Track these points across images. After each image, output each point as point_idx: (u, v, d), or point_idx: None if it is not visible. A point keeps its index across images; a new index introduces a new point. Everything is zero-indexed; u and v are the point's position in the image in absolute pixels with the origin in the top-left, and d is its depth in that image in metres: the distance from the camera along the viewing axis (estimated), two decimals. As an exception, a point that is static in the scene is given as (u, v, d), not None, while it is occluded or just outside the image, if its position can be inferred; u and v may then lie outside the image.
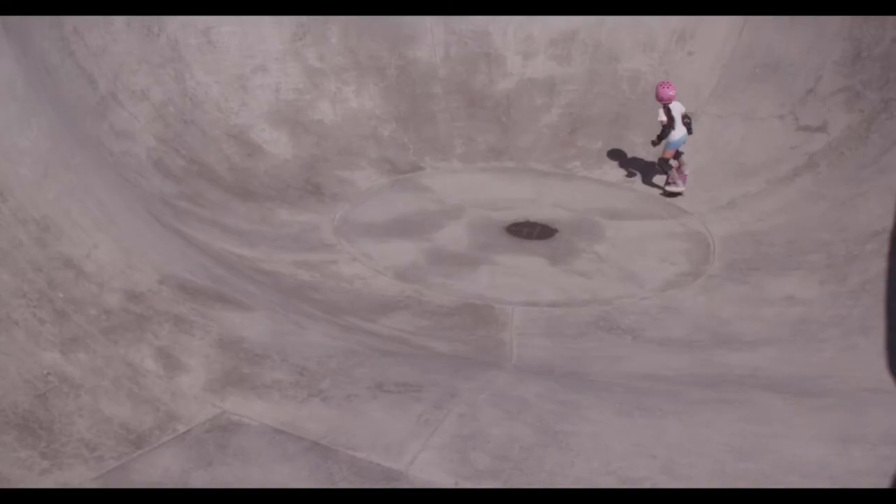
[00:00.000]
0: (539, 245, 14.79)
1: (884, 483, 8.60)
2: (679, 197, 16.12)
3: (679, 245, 14.89)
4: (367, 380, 9.88)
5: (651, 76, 17.61)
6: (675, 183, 16.31)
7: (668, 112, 16.13)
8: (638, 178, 16.77)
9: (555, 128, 17.45)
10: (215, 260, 12.40)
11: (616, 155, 17.08)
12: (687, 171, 16.29)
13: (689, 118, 16.28)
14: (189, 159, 15.56)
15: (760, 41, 17.25)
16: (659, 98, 16.19)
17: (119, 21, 16.07)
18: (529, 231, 15.12)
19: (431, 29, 18.04)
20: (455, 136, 17.32)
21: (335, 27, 17.78)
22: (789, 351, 11.99)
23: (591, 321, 12.95)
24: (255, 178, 15.85)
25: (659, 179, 16.59)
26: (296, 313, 11.47)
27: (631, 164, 17.14)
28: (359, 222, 15.19)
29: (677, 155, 16.28)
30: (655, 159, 16.60)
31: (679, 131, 16.12)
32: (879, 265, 13.31)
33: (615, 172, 16.78)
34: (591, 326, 12.83)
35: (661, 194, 16.42)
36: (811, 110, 16.43)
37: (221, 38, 17.05)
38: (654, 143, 16.39)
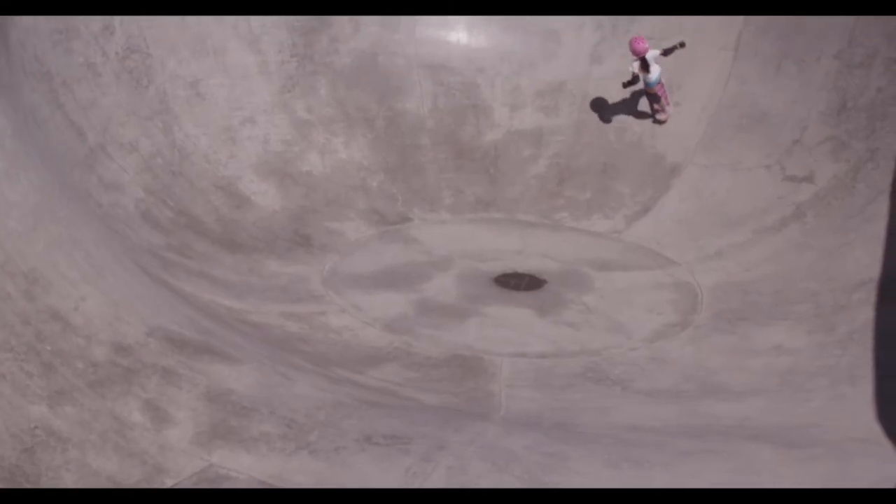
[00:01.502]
0: (527, 296, 14.79)
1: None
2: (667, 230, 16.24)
3: (667, 295, 14.89)
4: (355, 432, 9.88)
5: (638, 127, 17.68)
6: (662, 111, 17.57)
7: (643, 63, 17.11)
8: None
9: (542, 179, 17.49)
10: (203, 312, 12.40)
11: (604, 205, 17.11)
12: (670, 100, 17.59)
13: (666, 50, 17.22)
14: (177, 211, 15.57)
15: (746, 92, 17.33)
16: (634, 52, 17.06)
17: (108, 74, 16.11)
18: (518, 282, 15.13)
19: (419, 80, 18.11)
20: (443, 188, 17.35)
21: (324, 79, 17.84)
22: (777, 401, 11.99)
23: (579, 372, 12.94)
24: (243, 229, 15.86)
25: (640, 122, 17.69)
26: (284, 365, 11.47)
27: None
28: (347, 273, 15.19)
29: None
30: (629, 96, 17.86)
31: (655, 70, 17.17)
32: (867, 314, 13.33)
33: (603, 223, 16.80)
34: (580, 377, 12.82)
35: (653, 122, 17.62)
36: (797, 160, 16.49)
37: (210, 90, 17.10)
38: (624, 86, 17.53)
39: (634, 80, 17.32)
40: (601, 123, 17.89)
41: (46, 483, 8.69)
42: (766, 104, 17.12)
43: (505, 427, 10.83)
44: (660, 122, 17.64)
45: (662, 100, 17.51)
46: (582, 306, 14.57)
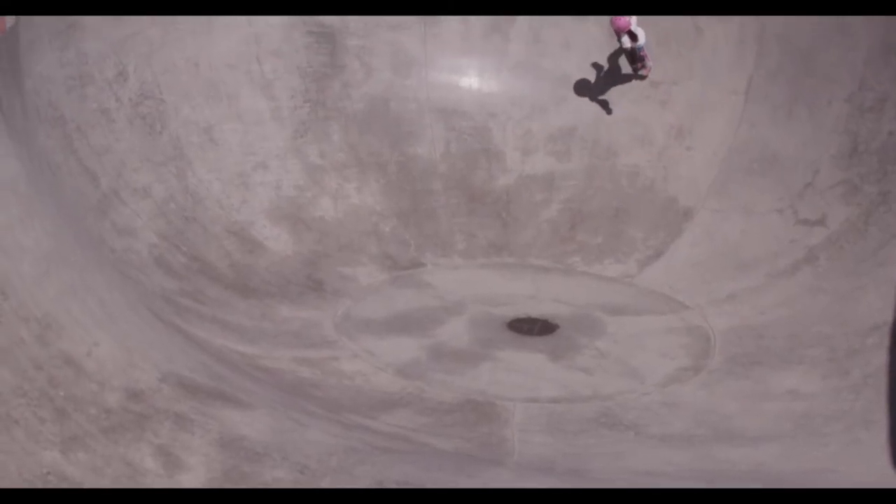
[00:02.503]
0: (540, 341, 14.77)
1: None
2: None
3: (679, 340, 14.86)
4: (367, 478, 9.86)
5: (650, 171, 17.70)
6: (644, 67, 17.87)
7: (631, 35, 17.24)
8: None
9: (555, 223, 17.50)
10: (216, 357, 12.40)
11: (616, 250, 17.10)
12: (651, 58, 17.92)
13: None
14: (190, 256, 15.60)
15: (757, 136, 17.34)
16: (619, 29, 17.22)
17: (122, 120, 16.20)
18: (530, 327, 15.11)
19: (431, 125, 18.17)
20: (455, 232, 17.37)
21: (336, 124, 17.90)
22: (792, 446, 11.94)
23: (592, 417, 12.91)
24: (255, 274, 15.87)
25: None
26: (296, 411, 11.46)
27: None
28: (360, 318, 15.18)
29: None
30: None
31: (642, 35, 17.28)
32: (880, 358, 13.28)
33: (615, 268, 16.79)
34: (593, 422, 12.79)
35: (636, 79, 18.00)
36: (810, 204, 16.48)
37: (223, 136, 17.16)
38: (643, 77, 18.13)
39: (636, 54, 17.67)
40: (612, 168, 17.90)
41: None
42: (778, 148, 17.12)
43: (518, 472, 10.80)
44: (643, 78, 17.96)
45: (646, 59, 17.78)
46: (595, 351, 14.54)
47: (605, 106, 18.17)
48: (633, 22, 17.12)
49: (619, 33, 17.23)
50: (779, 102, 17.33)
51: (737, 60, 17.78)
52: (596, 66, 18.13)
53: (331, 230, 17.00)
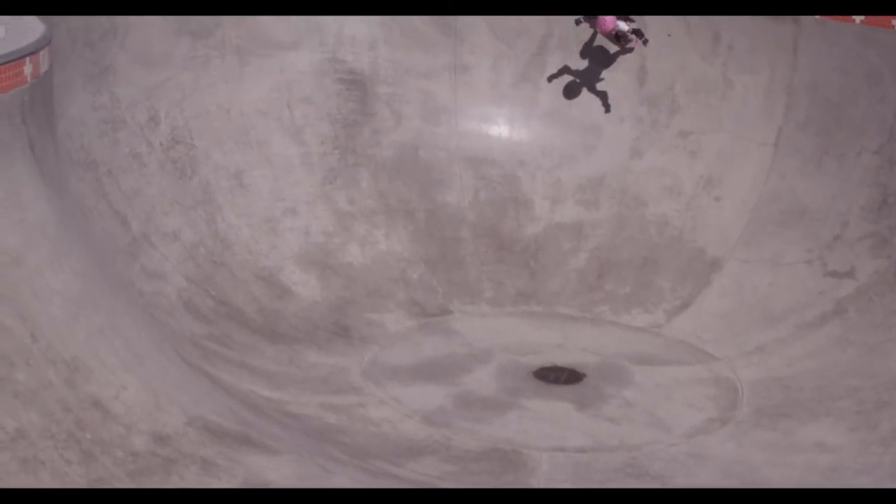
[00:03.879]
0: (567, 390, 14.74)
1: None
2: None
3: (707, 391, 14.81)
4: (393, 525, 9.84)
5: (679, 221, 17.69)
6: (630, 40, 17.48)
7: (622, 34, 17.41)
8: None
9: (583, 272, 17.50)
10: (242, 402, 12.41)
11: (644, 300, 17.07)
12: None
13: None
14: (219, 300, 15.63)
15: (786, 187, 17.34)
16: (606, 33, 17.44)
17: (153, 164, 16.28)
18: (557, 376, 15.08)
19: (460, 173, 18.21)
20: (483, 280, 17.38)
21: (365, 171, 17.96)
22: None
23: (618, 467, 12.86)
24: (283, 319, 15.89)
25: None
26: (322, 457, 11.45)
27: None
28: (387, 365, 15.18)
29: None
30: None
31: (624, 26, 17.34)
32: (909, 412, 13.25)
33: (643, 317, 16.75)
34: (619, 472, 12.74)
35: (622, 53, 17.96)
36: (839, 256, 16.45)
37: (253, 181, 17.24)
38: (631, 50, 17.77)
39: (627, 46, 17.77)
40: (641, 217, 17.90)
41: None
42: (807, 199, 17.11)
43: (544, 522, 10.74)
44: (630, 51, 17.76)
45: (628, 35, 17.70)
46: (621, 401, 14.49)
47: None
48: (616, 22, 17.36)
49: (608, 33, 17.48)
50: (808, 154, 17.34)
51: (766, 111, 17.81)
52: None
53: (359, 276, 17.02)
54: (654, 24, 18.15)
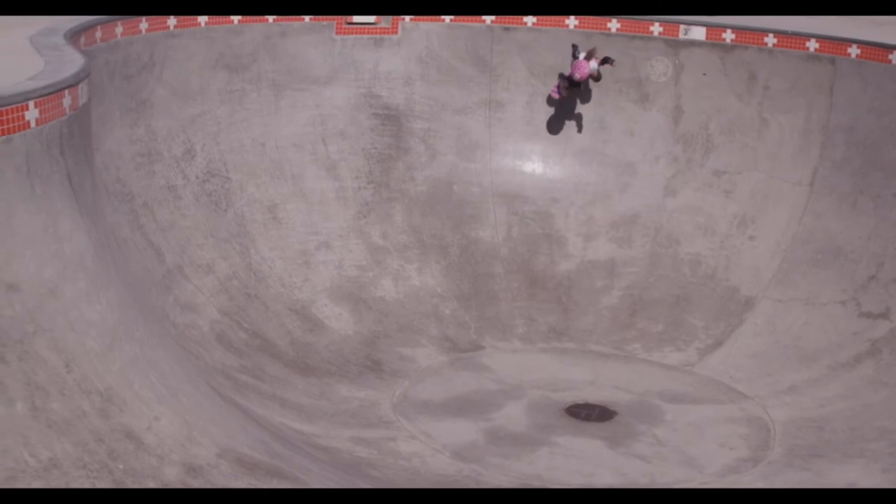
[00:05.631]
0: (598, 427, 14.71)
1: None
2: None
3: (739, 430, 14.75)
4: (422, 560, 9.82)
5: (712, 260, 17.68)
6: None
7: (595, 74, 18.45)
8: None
9: (615, 310, 17.50)
10: (274, 435, 12.43)
11: (676, 338, 17.04)
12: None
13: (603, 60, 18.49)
14: (251, 333, 15.69)
15: (821, 227, 17.32)
16: (583, 78, 18.18)
17: (188, 196, 16.40)
18: (588, 413, 15.06)
19: (494, 209, 18.27)
20: (516, 316, 17.40)
21: (399, 206, 18.04)
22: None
23: (649, 506, 12.81)
24: (315, 353, 15.94)
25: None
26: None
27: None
28: (418, 400, 15.19)
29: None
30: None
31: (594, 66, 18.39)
32: (943, 455, 13.17)
33: (675, 356, 16.72)
34: (650, 511, 12.69)
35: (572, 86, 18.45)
36: (873, 297, 16.40)
37: (287, 215, 17.34)
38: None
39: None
40: (675, 256, 17.90)
41: None
42: (842, 239, 17.08)
43: (574, 559, 10.71)
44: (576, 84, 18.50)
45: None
46: (653, 439, 14.46)
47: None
48: (589, 65, 18.14)
49: (583, 77, 18.23)
50: (844, 194, 17.34)
51: (801, 151, 17.84)
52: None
53: (391, 311, 17.07)
54: (690, 65, 18.24)
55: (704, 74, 18.33)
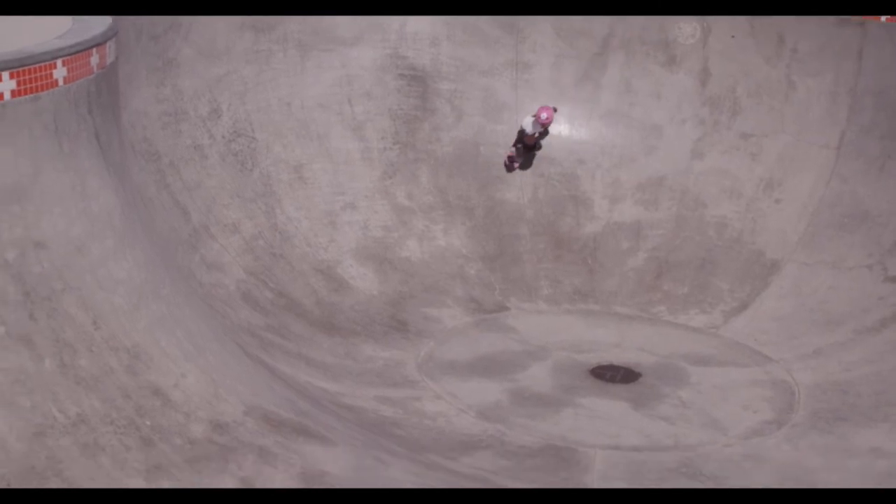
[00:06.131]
0: (622, 389, 14.73)
1: None
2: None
3: (763, 393, 14.75)
4: (447, 518, 9.86)
5: (738, 223, 17.62)
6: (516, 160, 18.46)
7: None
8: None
9: (640, 272, 17.48)
10: (300, 393, 12.48)
11: (702, 301, 17.02)
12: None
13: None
14: (277, 292, 15.74)
15: (848, 191, 17.24)
16: (546, 123, 18.01)
17: (214, 156, 16.42)
18: (613, 374, 15.07)
19: (520, 171, 18.24)
20: (541, 278, 17.39)
21: (425, 167, 18.03)
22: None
23: (673, 467, 12.82)
24: (340, 312, 15.98)
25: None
26: (377, 449, 11.50)
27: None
28: (443, 360, 15.22)
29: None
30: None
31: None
32: (968, 419, 13.14)
33: (700, 318, 16.71)
34: (673, 472, 12.70)
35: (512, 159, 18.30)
36: (900, 261, 16.38)
37: (313, 175, 17.34)
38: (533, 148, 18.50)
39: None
40: (701, 218, 17.85)
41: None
42: (869, 203, 17.01)
43: (597, 519, 10.74)
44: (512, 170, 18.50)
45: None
46: (677, 401, 14.47)
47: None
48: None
49: (545, 125, 18.02)
50: (871, 157, 17.24)
51: (829, 115, 17.73)
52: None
53: (416, 271, 17.09)
54: (717, 27, 18.13)
55: (732, 37, 18.22)
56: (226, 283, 15.35)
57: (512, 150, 18.36)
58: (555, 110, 18.01)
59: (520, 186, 18.17)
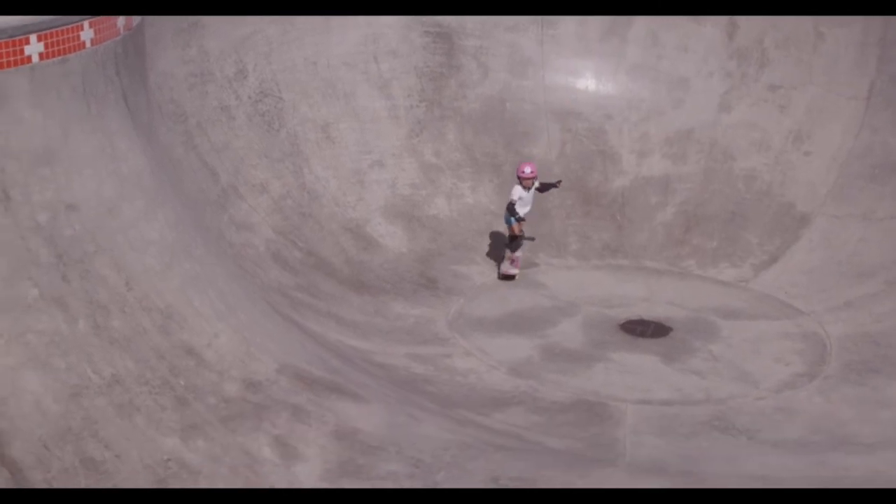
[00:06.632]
0: (653, 343, 14.72)
1: None
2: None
3: (794, 345, 14.72)
4: (481, 473, 9.90)
5: (767, 175, 17.55)
6: (513, 262, 16.46)
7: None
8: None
9: (669, 226, 17.44)
10: (331, 351, 12.52)
11: (731, 254, 16.97)
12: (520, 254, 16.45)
13: (544, 185, 16.41)
14: (306, 251, 15.78)
15: (878, 141, 17.14)
16: (525, 177, 16.11)
17: (241, 117, 16.44)
18: (643, 329, 15.07)
19: (547, 126, 18.19)
20: (570, 233, 17.38)
21: (452, 124, 18.01)
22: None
23: (705, 420, 12.82)
24: (370, 270, 16.01)
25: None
26: (410, 406, 11.54)
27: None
28: (473, 317, 15.24)
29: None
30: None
31: (522, 210, 16.20)
32: None
33: (730, 272, 16.67)
34: (705, 426, 12.71)
35: (499, 278, 16.53)
36: (931, 211, 16.32)
37: (340, 134, 17.34)
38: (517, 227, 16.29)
39: (512, 209, 16.22)
40: (729, 171, 17.79)
41: (178, 515, 8.84)
42: (899, 154, 16.95)
43: (630, 473, 10.78)
44: (507, 278, 16.60)
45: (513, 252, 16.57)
46: (708, 354, 14.46)
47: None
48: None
49: (526, 178, 16.22)
50: (901, 108, 17.16)
51: (858, 65, 17.61)
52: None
53: (445, 229, 17.10)
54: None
55: None
56: (255, 243, 15.40)
57: (513, 256, 16.58)
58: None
59: (547, 142, 18.13)
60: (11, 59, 9.69)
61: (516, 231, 16.26)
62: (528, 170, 16.10)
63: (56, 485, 8.75)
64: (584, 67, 18.42)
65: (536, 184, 16.25)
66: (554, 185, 16.49)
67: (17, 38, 9.78)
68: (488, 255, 16.84)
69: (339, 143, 17.32)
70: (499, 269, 16.58)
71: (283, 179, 16.52)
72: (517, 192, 16.13)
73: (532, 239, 16.71)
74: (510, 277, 16.43)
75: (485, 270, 16.53)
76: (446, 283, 16.16)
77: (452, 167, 17.78)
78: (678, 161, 18.03)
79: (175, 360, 9.94)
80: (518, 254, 16.36)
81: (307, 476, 9.52)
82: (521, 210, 16.16)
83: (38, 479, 8.75)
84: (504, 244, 16.66)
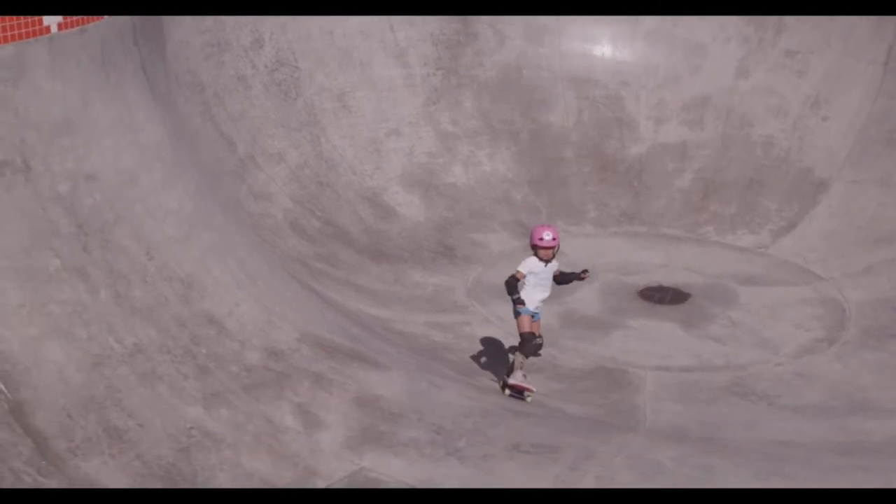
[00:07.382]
0: (672, 310, 14.73)
1: None
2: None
3: (813, 311, 14.72)
4: (503, 440, 9.93)
5: (785, 141, 17.49)
6: (522, 372, 11.86)
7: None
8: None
9: (687, 193, 17.41)
10: (351, 319, 12.56)
11: (749, 220, 16.94)
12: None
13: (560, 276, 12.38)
14: (324, 221, 15.80)
15: (896, 107, 17.11)
16: (544, 245, 12.06)
17: (258, 86, 16.45)
18: (662, 296, 15.07)
19: (564, 94, 18.15)
20: (587, 201, 17.36)
21: (468, 92, 17.97)
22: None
23: (724, 387, 12.85)
24: (388, 239, 16.03)
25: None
26: (430, 373, 11.57)
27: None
28: (491, 285, 15.23)
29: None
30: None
31: (538, 295, 12.11)
32: None
33: (748, 238, 16.64)
34: (725, 392, 12.74)
35: (501, 387, 12.05)
36: (949, 176, 16.26)
37: (356, 103, 17.33)
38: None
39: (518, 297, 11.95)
40: (747, 138, 17.73)
41: (202, 483, 8.87)
42: (918, 119, 16.89)
43: (650, 439, 10.80)
44: (518, 391, 11.79)
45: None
46: (727, 321, 14.46)
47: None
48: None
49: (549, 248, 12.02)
50: (920, 73, 17.09)
51: (876, 30, 17.54)
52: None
53: (462, 197, 17.09)
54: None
55: None
56: (273, 212, 15.43)
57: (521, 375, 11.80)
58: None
59: (564, 110, 18.09)
60: (30, 29, 9.68)
61: (526, 328, 11.92)
62: (548, 235, 11.98)
63: (80, 454, 8.79)
64: (600, 34, 18.35)
65: (556, 267, 12.16)
66: (579, 277, 12.45)
67: (36, 9, 9.78)
68: (504, 223, 16.84)
69: (355, 112, 17.31)
70: (505, 377, 11.98)
71: (300, 149, 16.53)
72: (530, 264, 12.00)
73: (541, 347, 12.39)
74: (522, 393, 11.75)
75: (503, 238, 16.53)
76: (464, 252, 16.17)
77: (469, 135, 17.76)
78: (695, 127, 17.99)
79: (196, 328, 9.97)
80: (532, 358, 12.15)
81: (329, 443, 9.55)
82: (536, 296, 12.05)
83: (61, 449, 8.79)
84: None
